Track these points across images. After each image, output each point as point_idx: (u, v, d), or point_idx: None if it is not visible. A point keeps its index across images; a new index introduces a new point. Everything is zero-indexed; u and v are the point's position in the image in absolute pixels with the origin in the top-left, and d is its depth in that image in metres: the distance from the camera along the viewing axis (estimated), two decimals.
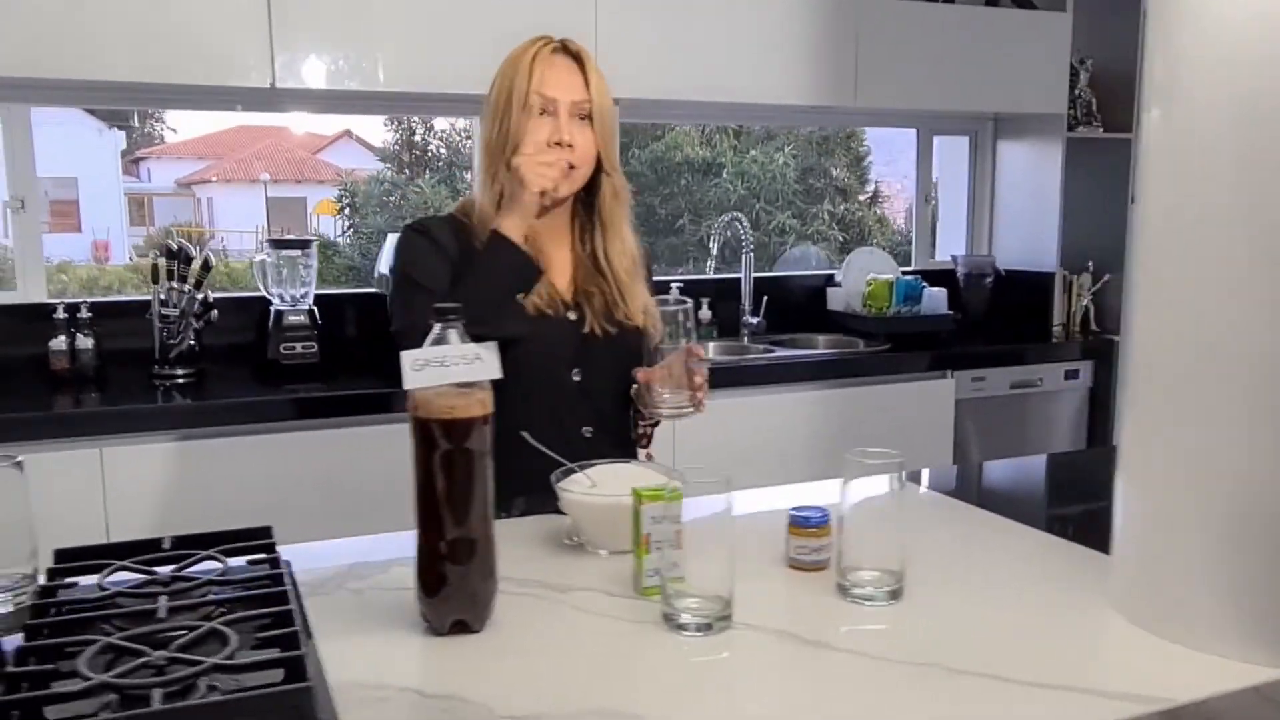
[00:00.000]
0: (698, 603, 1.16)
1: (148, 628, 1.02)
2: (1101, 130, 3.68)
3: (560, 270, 1.64)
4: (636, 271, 1.67)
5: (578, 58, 1.58)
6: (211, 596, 1.12)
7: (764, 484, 1.64)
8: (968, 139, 3.91)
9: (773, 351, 3.24)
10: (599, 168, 1.61)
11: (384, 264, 2.88)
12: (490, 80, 1.62)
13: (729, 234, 3.48)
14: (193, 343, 2.67)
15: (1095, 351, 3.58)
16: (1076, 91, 3.65)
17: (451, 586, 1.12)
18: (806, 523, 1.33)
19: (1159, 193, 1.15)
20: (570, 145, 1.54)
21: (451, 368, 1.09)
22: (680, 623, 1.15)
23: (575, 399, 1.60)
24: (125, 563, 1.20)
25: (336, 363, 2.81)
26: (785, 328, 3.51)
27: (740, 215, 3.43)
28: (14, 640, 1.04)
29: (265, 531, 1.31)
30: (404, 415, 2.71)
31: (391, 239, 2.84)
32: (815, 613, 1.22)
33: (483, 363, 1.11)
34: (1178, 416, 1.13)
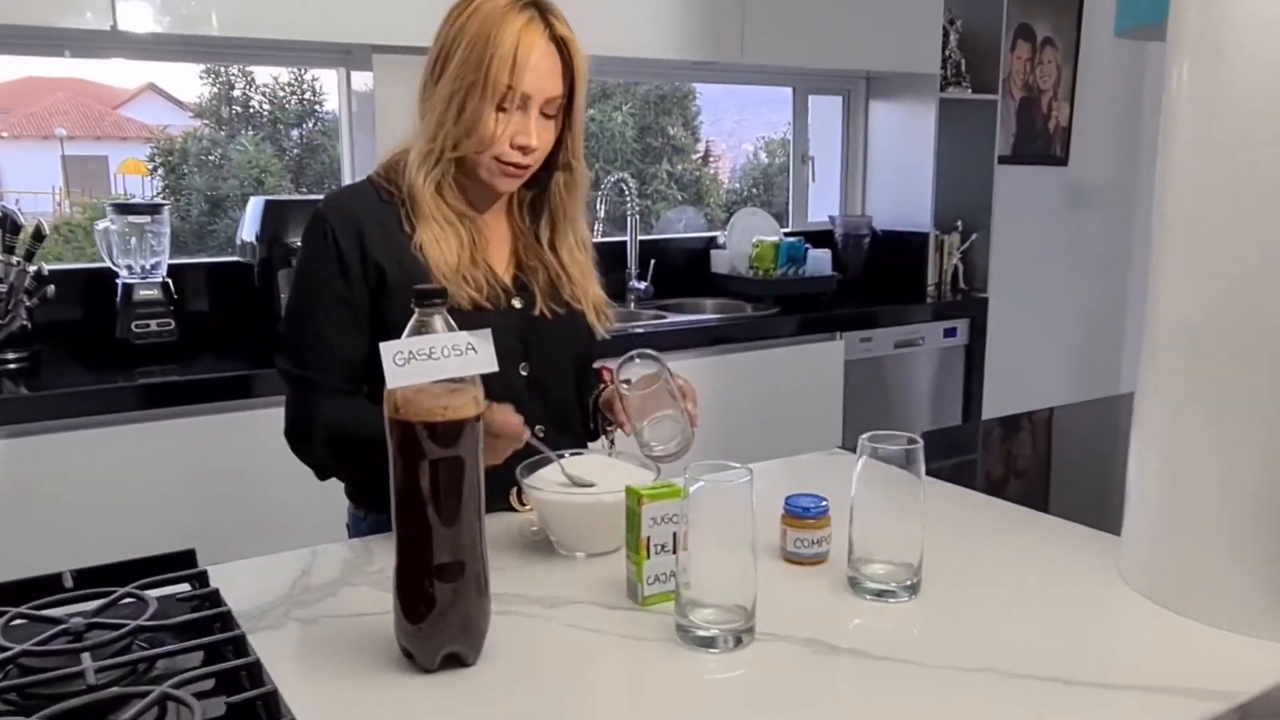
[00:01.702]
0: (714, 613, 1.04)
1: (80, 699, 0.81)
2: (970, 91, 3.72)
3: (499, 247, 1.45)
4: (590, 270, 1.49)
5: (563, 43, 1.35)
6: (146, 651, 0.91)
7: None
8: (841, 99, 3.89)
9: (664, 318, 3.13)
10: (553, 152, 1.41)
11: (246, 230, 2.59)
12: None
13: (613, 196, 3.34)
14: (25, 322, 2.32)
15: (969, 309, 3.65)
16: (947, 52, 3.67)
17: (442, 613, 0.96)
18: (805, 513, 1.23)
19: (1186, 152, 1.09)
20: (534, 148, 1.35)
21: (441, 361, 0.92)
22: (704, 636, 1.02)
23: (524, 396, 1.40)
24: (22, 609, 0.97)
25: (194, 342, 2.52)
26: (669, 292, 3.41)
27: (626, 176, 3.29)
28: None
29: (188, 557, 1.10)
30: (272, 399, 2.45)
31: (254, 205, 2.56)
32: (833, 614, 1.11)
33: (477, 354, 0.94)
34: (1200, 386, 1.09)
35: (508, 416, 1.23)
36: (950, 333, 3.56)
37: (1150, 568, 1.15)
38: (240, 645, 0.91)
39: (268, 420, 2.27)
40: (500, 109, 1.32)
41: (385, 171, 1.41)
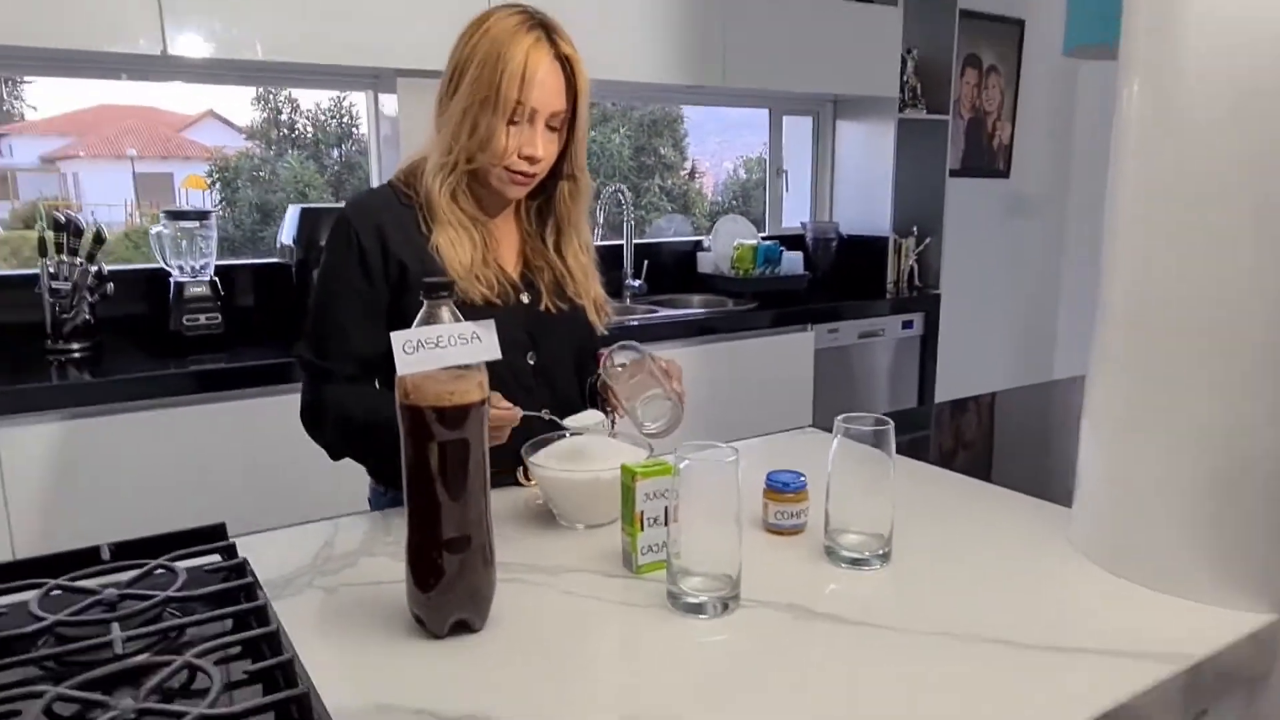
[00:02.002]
0: (702, 580, 0.97)
1: (106, 668, 0.74)
2: (924, 112, 3.64)
3: (508, 249, 1.37)
4: (592, 270, 1.41)
5: (567, 61, 1.27)
6: (175, 620, 0.84)
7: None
8: (811, 119, 3.80)
9: (656, 312, 3.05)
10: (559, 163, 1.33)
11: (285, 235, 2.51)
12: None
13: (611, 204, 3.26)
14: (88, 317, 2.24)
15: (924, 304, 3.58)
16: (904, 78, 3.59)
17: (450, 582, 0.89)
18: (785, 488, 1.16)
19: (1135, 161, 1.02)
20: (539, 158, 1.27)
21: (447, 349, 0.85)
22: (694, 603, 0.95)
23: (531, 383, 1.34)
24: (59, 581, 0.90)
25: (240, 334, 2.44)
26: (660, 289, 3.33)
27: (623, 187, 3.20)
28: None
29: (219, 530, 1.03)
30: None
31: (293, 212, 2.48)
32: (811, 581, 1.04)
33: (481, 343, 0.87)
34: (1148, 364, 1.02)
35: (499, 409, 1.14)
36: (907, 325, 3.49)
37: (1101, 536, 1.08)
38: (261, 614, 0.84)
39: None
40: (511, 123, 1.25)
41: (405, 176, 1.34)
